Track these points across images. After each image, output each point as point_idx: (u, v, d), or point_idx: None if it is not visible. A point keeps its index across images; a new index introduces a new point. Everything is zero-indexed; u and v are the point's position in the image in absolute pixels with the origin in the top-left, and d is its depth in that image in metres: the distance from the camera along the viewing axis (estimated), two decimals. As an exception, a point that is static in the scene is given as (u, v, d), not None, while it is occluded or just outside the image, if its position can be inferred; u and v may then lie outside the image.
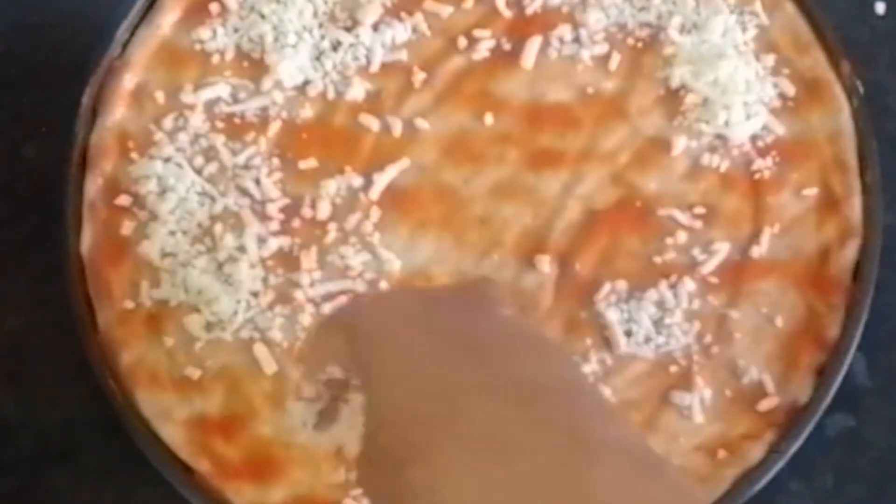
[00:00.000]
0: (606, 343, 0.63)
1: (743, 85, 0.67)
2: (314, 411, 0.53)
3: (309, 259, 0.65)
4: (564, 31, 0.69)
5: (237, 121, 0.68)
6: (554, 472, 0.39)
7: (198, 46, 0.69)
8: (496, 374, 0.43)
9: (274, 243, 0.65)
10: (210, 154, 0.67)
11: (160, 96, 0.68)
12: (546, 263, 0.65)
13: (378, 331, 0.47)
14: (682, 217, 0.66)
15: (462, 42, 0.69)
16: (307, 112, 0.68)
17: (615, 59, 0.69)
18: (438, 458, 0.41)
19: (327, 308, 0.64)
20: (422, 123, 0.68)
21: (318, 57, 0.69)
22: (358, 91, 0.68)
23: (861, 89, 0.68)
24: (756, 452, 0.62)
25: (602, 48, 0.69)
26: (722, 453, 0.62)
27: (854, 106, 0.68)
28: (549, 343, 0.49)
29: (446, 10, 0.70)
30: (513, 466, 0.40)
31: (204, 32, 0.70)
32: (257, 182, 0.66)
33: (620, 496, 0.39)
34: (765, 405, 0.62)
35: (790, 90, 0.68)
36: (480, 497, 0.39)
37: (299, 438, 0.61)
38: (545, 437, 0.40)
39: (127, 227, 0.66)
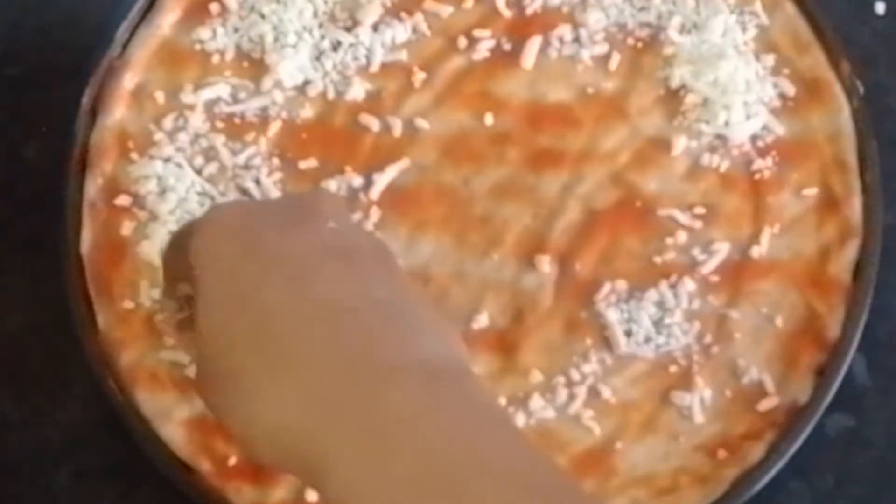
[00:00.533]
0: (606, 343, 0.63)
1: (743, 85, 0.67)
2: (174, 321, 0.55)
3: (309, 259, 0.65)
4: (564, 31, 0.69)
5: (237, 121, 0.68)
6: (348, 393, 0.41)
7: (198, 46, 0.69)
8: (304, 293, 0.44)
9: (274, 243, 0.65)
10: (210, 154, 0.67)
11: (160, 96, 0.68)
12: (546, 263, 0.65)
13: (207, 247, 0.48)
14: (682, 217, 0.66)
15: (462, 42, 0.69)
16: (307, 112, 0.68)
17: (615, 59, 0.69)
18: (251, 376, 0.43)
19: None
20: (422, 123, 0.68)
21: (318, 57, 0.69)
22: (358, 91, 0.68)
23: (861, 89, 0.68)
24: (756, 452, 0.62)
25: (602, 48, 0.69)
26: (722, 453, 0.62)
27: (854, 106, 0.68)
28: (366, 254, 0.49)
29: (446, 10, 0.70)
30: (311, 385, 0.42)
31: (204, 32, 0.70)
32: (257, 182, 0.66)
33: (410, 415, 0.40)
34: (765, 405, 0.62)
35: (790, 90, 0.68)
36: (281, 414, 0.42)
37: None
38: (341, 357, 0.42)
39: (127, 227, 0.66)
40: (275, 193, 0.66)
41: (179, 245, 0.51)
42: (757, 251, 0.65)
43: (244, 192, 0.66)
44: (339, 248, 0.48)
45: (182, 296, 0.52)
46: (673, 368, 0.63)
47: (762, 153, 0.67)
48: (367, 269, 0.48)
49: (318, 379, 0.42)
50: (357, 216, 0.66)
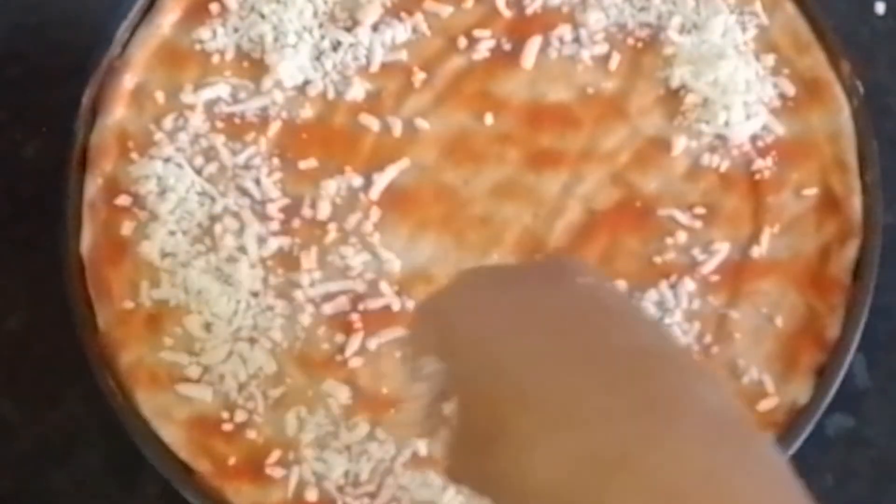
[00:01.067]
0: (606, 343, 0.63)
1: (743, 85, 0.67)
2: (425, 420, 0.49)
3: (309, 259, 0.65)
4: (564, 31, 0.69)
5: (237, 121, 0.68)
6: (631, 445, 0.38)
7: (198, 46, 0.69)
8: (572, 344, 0.42)
9: (274, 243, 0.65)
10: (210, 154, 0.67)
11: (160, 96, 0.68)
12: (546, 263, 0.65)
13: (458, 310, 0.46)
14: (682, 217, 0.66)
15: (462, 42, 0.69)
16: (307, 112, 0.68)
17: (615, 59, 0.69)
18: (521, 435, 0.40)
19: (327, 308, 0.64)
20: (422, 123, 0.68)
21: (318, 57, 0.69)
22: (358, 91, 0.68)
23: (861, 89, 0.68)
24: (756, 452, 0.62)
25: (602, 48, 0.69)
26: (722, 453, 0.62)
27: (854, 106, 0.68)
28: (636, 309, 0.48)
29: (446, 10, 0.70)
30: (588, 438, 0.39)
31: (204, 32, 0.70)
32: (257, 182, 0.67)
33: (702, 466, 0.37)
34: (765, 405, 0.62)
35: (790, 90, 0.68)
36: (561, 470, 0.39)
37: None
38: (620, 407, 0.39)
39: (127, 227, 0.66)
40: (275, 193, 0.66)
41: (423, 317, 0.49)
42: (757, 251, 0.65)
43: (244, 191, 0.66)
44: (597, 300, 0.46)
45: (427, 373, 0.49)
46: (673, 368, 0.63)
47: (762, 153, 0.67)
48: (628, 319, 0.46)
49: (595, 431, 0.39)
50: (357, 216, 0.66)
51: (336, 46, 0.69)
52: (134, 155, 0.67)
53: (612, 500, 0.38)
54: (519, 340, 0.43)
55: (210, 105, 0.68)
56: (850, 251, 0.65)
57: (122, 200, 0.66)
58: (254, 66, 0.69)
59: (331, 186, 0.66)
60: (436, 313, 0.47)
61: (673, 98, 0.68)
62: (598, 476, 0.38)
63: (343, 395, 0.63)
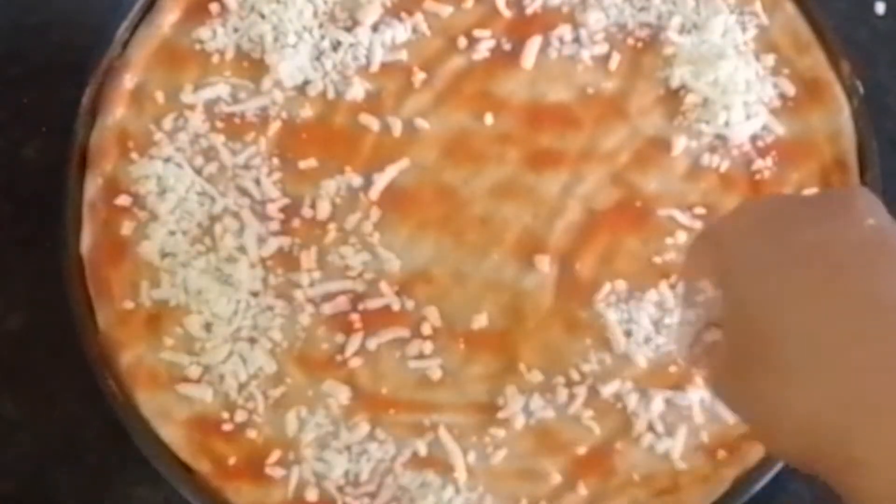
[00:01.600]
0: (606, 343, 0.63)
1: (743, 85, 0.67)
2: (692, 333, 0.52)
3: (309, 259, 0.65)
4: (564, 31, 0.69)
5: (237, 121, 0.68)
6: (892, 396, 0.39)
7: (198, 46, 0.69)
8: (846, 285, 0.43)
9: (274, 243, 0.65)
10: (210, 154, 0.67)
11: (160, 96, 0.68)
12: (546, 263, 0.65)
13: (737, 240, 0.47)
14: (682, 217, 0.66)
15: (462, 42, 0.69)
16: (307, 112, 0.68)
17: (615, 59, 0.69)
18: (786, 366, 0.42)
19: (327, 308, 0.64)
20: (422, 123, 0.68)
21: (318, 57, 0.69)
22: (358, 91, 0.68)
23: (861, 89, 0.68)
24: (756, 452, 0.62)
25: (602, 48, 0.69)
26: (722, 453, 0.62)
27: (854, 106, 0.68)
28: None
29: (446, 10, 0.70)
30: (852, 379, 0.40)
31: (204, 32, 0.70)
32: (257, 182, 0.67)
33: None
34: (765, 405, 0.62)
35: (790, 90, 0.68)
36: (817, 405, 0.41)
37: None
38: (887, 354, 0.40)
39: (127, 227, 0.66)
40: (275, 193, 0.66)
41: (702, 241, 0.51)
42: (757, 251, 0.65)
43: (244, 191, 0.66)
44: (883, 245, 0.45)
45: (701, 300, 0.51)
46: (673, 368, 0.63)
47: (762, 153, 0.67)
48: None
49: (859, 374, 0.40)
50: (357, 216, 0.66)
51: (336, 46, 0.69)
52: (134, 155, 0.67)
53: (858, 445, 0.39)
54: (799, 276, 0.44)
55: (210, 105, 0.68)
56: (850, 251, 0.65)
57: (122, 200, 0.66)
58: (254, 66, 0.69)
59: (331, 186, 0.66)
60: (717, 240, 0.48)
61: (673, 98, 0.68)
62: (849, 418, 0.40)
63: (343, 395, 0.63)
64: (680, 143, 0.67)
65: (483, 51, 0.69)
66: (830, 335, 0.42)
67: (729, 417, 0.62)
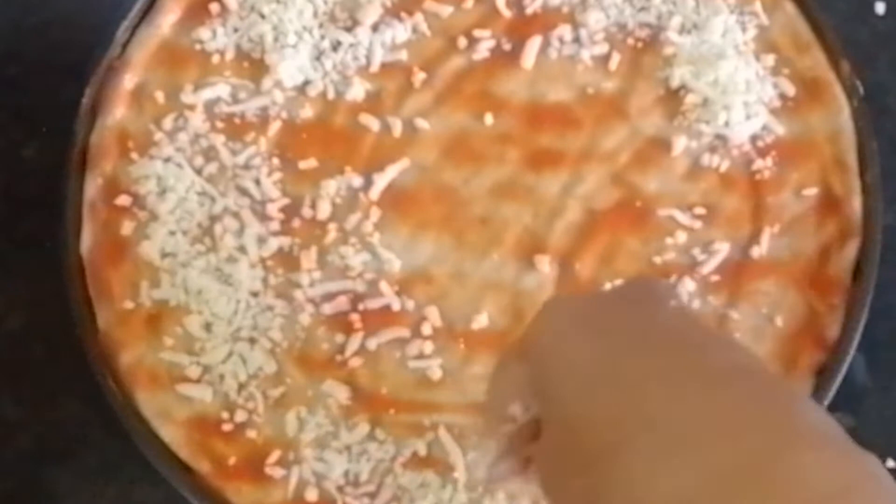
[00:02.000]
0: (606, 343, 0.63)
1: (743, 85, 0.67)
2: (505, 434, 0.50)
3: (309, 259, 0.65)
4: (564, 31, 0.69)
5: (237, 121, 0.68)
6: (760, 456, 0.38)
7: (198, 46, 0.69)
8: (685, 363, 0.42)
9: (274, 243, 0.65)
10: (210, 154, 0.67)
11: (160, 96, 0.68)
12: (546, 263, 0.65)
13: (551, 344, 0.46)
14: (682, 217, 0.66)
15: (462, 42, 0.69)
16: (307, 112, 0.68)
17: (615, 59, 0.69)
18: (643, 452, 0.40)
19: (327, 308, 0.64)
20: (422, 123, 0.68)
21: (318, 57, 0.69)
22: (358, 91, 0.68)
23: (861, 89, 0.68)
24: (756, 452, 0.61)
25: (602, 48, 0.69)
26: (722, 453, 0.62)
27: (854, 106, 0.68)
28: (716, 330, 0.50)
29: (446, 10, 0.70)
30: (719, 452, 0.39)
31: (204, 32, 0.70)
32: (257, 182, 0.66)
33: (835, 478, 0.38)
34: (765, 405, 0.62)
35: (790, 90, 0.68)
36: (688, 485, 0.39)
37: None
38: (740, 422, 0.40)
39: (127, 227, 0.66)
40: (275, 193, 0.66)
41: (507, 359, 0.49)
42: (757, 251, 0.65)
43: (244, 191, 0.66)
44: (691, 320, 0.47)
45: (510, 415, 0.50)
46: (673, 368, 0.63)
47: (762, 153, 0.67)
48: (720, 339, 0.46)
49: (720, 447, 0.39)
50: (357, 216, 0.66)
51: (336, 46, 0.69)
52: (134, 155, 0.67)
53: None
54: (625, 362, 0.43)
55: (210, 105, 0.68)
56: (850, 251, 0.65)
57: (122, 200, 0.66)
58: (254, 66, 0.69)
59: (331, 186, 0.66)
60: (528, 353, 0.47)
61: (673, 98, 0.68)
62: (725, 489, 0.38)
63: (343, 395, 0.63)
64: (680, 143, 0.67)
65: (483, 51, 0.69)
66: (681, 413, 0.40)
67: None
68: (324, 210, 0.66)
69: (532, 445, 0.47)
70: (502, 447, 0.50)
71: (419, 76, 0.68)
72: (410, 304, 0.64)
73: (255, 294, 0.64)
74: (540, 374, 0.45)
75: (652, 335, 0.44)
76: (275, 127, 0.68)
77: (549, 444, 0.44)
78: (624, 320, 0.45)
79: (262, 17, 0.69)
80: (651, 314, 0.46)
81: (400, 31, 0.69)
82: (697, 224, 0.66)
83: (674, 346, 0.43)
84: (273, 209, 0.66)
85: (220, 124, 0.68)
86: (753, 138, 0.67)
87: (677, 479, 0.39)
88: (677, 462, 0.39)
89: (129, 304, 0.64)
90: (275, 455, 0.62)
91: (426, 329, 0.64)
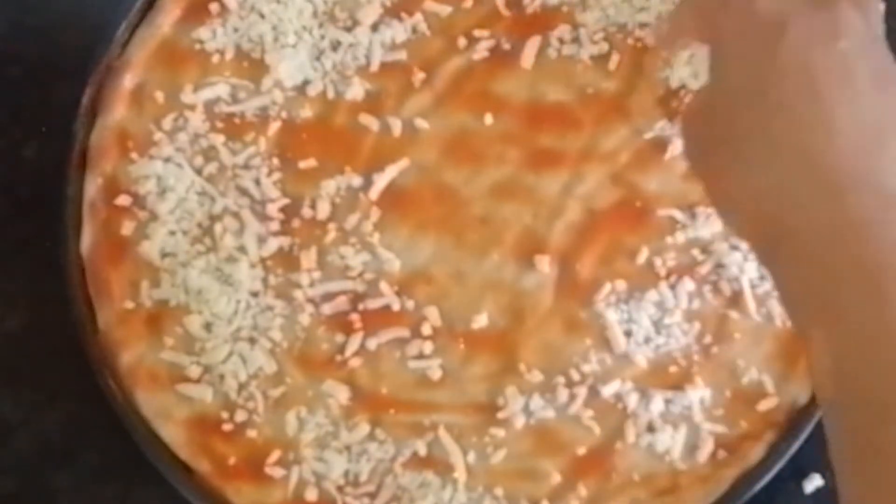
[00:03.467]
0: (606, 343, 0.63)
1: (743, 85, 0.67)
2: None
3: (309, 259, 0.65)
4: (564, 31, 0.69)
5: (237, 121, 0.68)
6: (815, 188, 0.47)
7: (198, 46, 0.69)
8: (807, 108, 0.48)
9: (274, 243, 0.65)
10: (210, 154, 0.67)
11: (160, 96, 0.68)
12: (546, 263, 0.65)
13: (734, 32, 0.52)
14: (682, 217, 0.66)
15: (462, 42, 0.69)
16: (307, 112, 0.68)
17: (615, 59, 0.68)
18: (749, 144, 0.48)
19: (327, 308, 0.64)
20: (422, 123, 0.68)
21: (318, 57, 0.69)
22: (358, 91, 0.68)
23: (861, 89, 0.68)
24: (756, 453, 0.62)
25: (602, 48, 0.69)
26: (722, 453, 0.62)
27: (854, 106, 0.68)
28: None
29: (446, 10, 0.70)
30: (796, 166, 0.47)
31: (204, 32, 0.69)
32: (257, 182, 0.67)
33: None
34: (765, 405, 0.62)
35: (790, 90, 0.68)
36: (762, 185, 0.48)
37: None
38: (822, 154, 0.47)
39: (127, 227, 0.66)
40: (275, 193, 0.66)
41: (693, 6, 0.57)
42: (757, 251, 0.65)
43: (244, 191, 0.66)
44: (843, 70, 0.49)
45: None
46: (673, 368, 0.63)
47: (762, 153, 0.67)
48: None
49: (798, 169, 0.46)
50: (357, 216, 0.66)
51: (336, 46, 0.69)
52: (134, 155, 0.67)
53: (791, 216, 0.47)
54: (774, 85, 0.49)
55: (210, 105, 0.68)
56: (850, 251, 0.65)
57: (122, 200, 0.66)
58: (254, 65, 0.69)
59: (331, 186, 0.66)
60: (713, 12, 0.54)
61: (673, 98, 0.68)
62: (787, 198, 0.47)
63: (343, 395, 0.63)
64: (680, 143, 0.67)
65: (483, 51, 0.69)
66: (793, 126, 0.47)
67: (729, 417, 0.62)
68: (324, 210, 0.66)
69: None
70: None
71: (419, 76, 0.68)
72: (410, 304, 0.64)
73: (255, 294, 0.64)
74: (713, 37, 0.54)
75: (799, 81, 0.49)
76: (275, 127, 0.68)
77: (703, 94, 0.54)
78: (791, 54, 0.50)
79: (262, 16, 0.69)
80: (814, 58, 0.50)
81: (400, 31, 0.69)
82: (698, 224, 0.65)
83: (810, 98, 0.48)
84: (273, 209, 0.66)
85: (219, 124, 0.68)
86: (753, 138, 0.67)
87: (764, 177, 0.48)
88: (771, 161, 0.48)
89: (129, 304, 0.65)
90: (275, 455, 0.62)
91: (426, 329, 0.64)
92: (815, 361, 0.45)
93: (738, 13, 0.51)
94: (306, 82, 0.68)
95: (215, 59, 0.69)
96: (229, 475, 0.62)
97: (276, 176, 0.67)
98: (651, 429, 0.62)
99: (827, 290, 0.45)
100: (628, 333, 0.63)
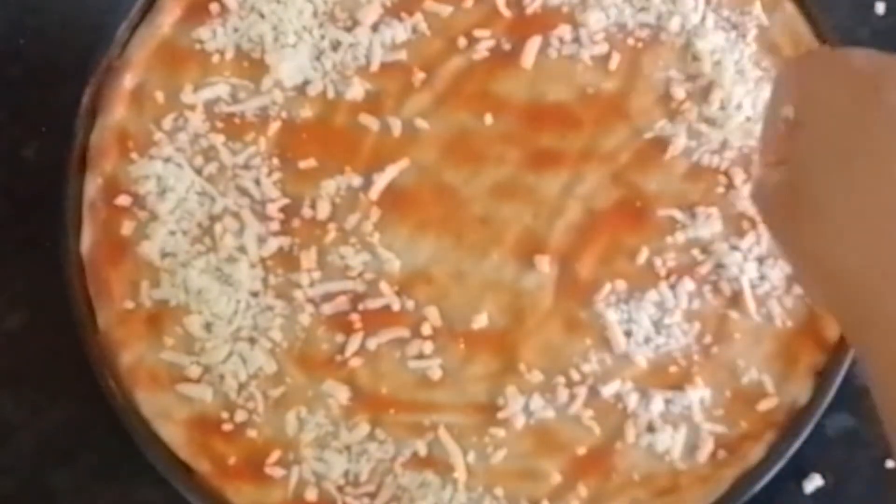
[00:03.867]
0: (606, 343, 0.63)
1: (743, 85, 0.67)
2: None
3: (309, 259, 0.65)
4: (564, 31, 0.69)
5: (237, 121, 0.68)
6: None
7: (198, 46, 0.69)
8: None
9: (274, 243, 0.65)
10: (210, 154, 0.67)
11: (160, 96, 0.68)
12: (546, 263, 0.65)
13: (822, 86, 0.48)
14: (682, 217, 0.66)
15: (462, 42, 0.69)
16: (307, 112, 0.68)
17: (615, 59, 0.69)
18: (834, 213, 0.44)
19: (327, 308, 0.64)
20: (422, 123, 0.68)
21: (318, 57, 0.69)
22: (358, 91, 0.68)
23: (861, 89, 0.68)
24: (756, 452, 0.62)
25: (602, 48, 0.69)
26: (722, 453, 0.62)
27: (854, 106, 0.68)
28: None
29: (446, 10, 0.70)
30: (884, 249, 0.42)
31: (204, 32, 0.69)
32: (257, 182, 0.67)
33: None
34: (765, 405, 0.62)
35: (790, 90, 0.68)
36: (850, 258, 0.43)
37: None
38: None
39: (127, 227, 0.66)
40: (275, 193, 0.66)
41: (797, 70, 0.52)
42: (757, 251, 0.65)
43: (244, 191, 0.66)
44: None
45: (783, 118, 0.51)
46: (673, 368, 0.63)
47: (762, 153, 0.67)
48: None
49: (890, 244, 0.42)
50: (357, 216, 0.66)
51: (336, 46, 0.69)
52: (134, 155, 0.67)
53: (876, 306, 0.42)
54: (869, 142, 0.45)
55: (210, 105, 0.68)
56: (850, 251, 0.65)
57: (122, 200, 0.66)
58: (254, 65, 0.69)
59: (331, 186, 0.66)
60: (805, 76, 0.50)
61: (673, 98, 0.68)
62: (873, 280, 0.42)
63: (343, 395, 0.63)
64: (680, 143, 0.67)
65: (483, 51, 0.69)
66: (877, 203, 0.43)
67: (729, 417, 0.62)
68: (324, 210, 0.66)
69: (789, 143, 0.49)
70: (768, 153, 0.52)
71: (419, 76, 0.68)
72: (410, 304, 0.64)
73: (255, 294, 0.64)
74: (804, 102, 0.49)
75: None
76: (274, 127, 0.68)
77: (788, 171, 0.48)
78: (887, 105, 0.46)
79: (262, 16, 0.69)
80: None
81: (400, 31, 0.69)
82: (698, 224, 0.65)
83: None
84: (273, 209, 0.66)
85: (219, 124, 0.68)
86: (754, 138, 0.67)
87: (852, 249, 0.43)
88: (857, 234, 0.43)
89: (129, 304, 0.65)
90: (275, 455, 0.62)
91: (426, 329, 0.64)
92: None
93: (832, 67, 0.49)
94: (306, 82, 0.68)
95: (215, 59, 0.69)
96: (229, 475, 0.62)
97: (276, 176, 0.67)
98: (651, 429, 0.62)
99: None
100: (628, 333, 0.63)
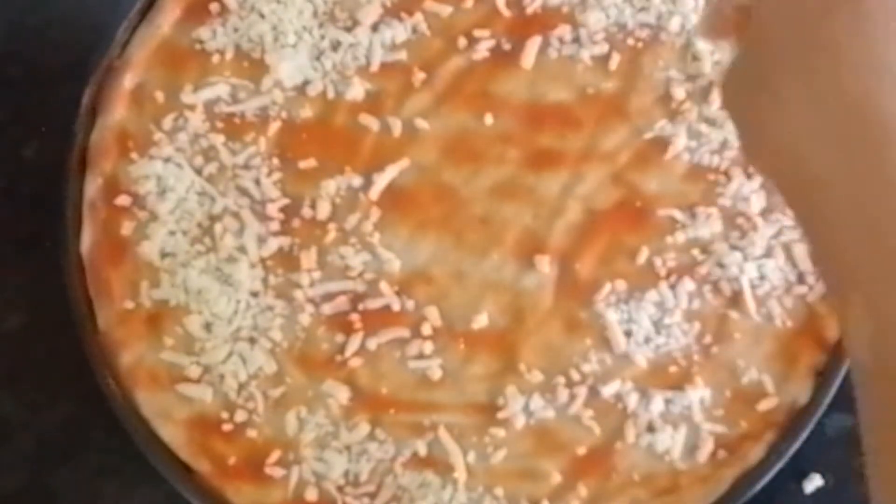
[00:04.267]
0: (606, 343, 0.63)
1: (743, 85, 0.67)
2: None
3: (309, 259, 0.65)
4: (564, 31, 0.69)
5: (237, 121, 0.68)
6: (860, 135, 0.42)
7: (198, 46, 0.69)
8: (861, 40, 0.43)
9: (274, 243, 0.65)
10: (210, 154, 0.67)
11: (160, 96, 0.68)
12: (546, 263, 0.65)
13: None
14: (682, 217, 0.66)
15: (462, 42, 0.69)
16: (307, 112, 0.68)
17: (615, 59, 0.68)
18: (786, 88, 0.44)
19: (327, 308, 0.64)
20: (422, 123, 0.68)
21: (318, 57, 0.69)
22: (358, 91, 0.68)
23: (861, 89, 0.68)
24: (756, 452, 0.62)
25: (602, 48, 0.69)
26: (722, 453, 0.62)
27: (854, 106, 0.68)
28: None
29: (446, 10, 0.70)
30: (830, 115, 0.42)
31: (204, 32, 0.69)
32: (257, 182, 0.67)
33: None
34: (765, 405, 0.62)
35: (790, 90, 0.68)
36: (795, 133, 0.43)
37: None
38: (862, 104, 0.42)
39: (127, 227, 0.66)
40: (275, 193, 0.66)
41: None
42: (757, 251, 0.65)
43: (244, 191, 0.66)
44: None
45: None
46: (673, 368, 0.63)
47: (762, 153, 0.67)
48: None
49: (840, 113, 0.42)
50: (357, 216, 0.66)
51: (336, 46, 0.69)
52: (134, 155, 0.67)
53: (821, 166, 0.42)
54: (828, 19, 0.44)
55: (210, 105, 0.68)
56: (850, 251, 0.65)
57: (122, 200, 0.66)
58: (254, 65, 0.69)
59: (331, 186, 0.66)
60: None
61: (673, 98, 0.68)
62: (821, 148, 0.42)
63: (343, 395, 0.63)
64: (680, 143, 0.67)
65: (483, 51, 0.69)
66: (832, 72, 0.43)
67: (729, 417, 0.62)
68: (324, 210, 0.66)
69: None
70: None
71: (419, 76, 0.68)
72: (410, 304, 0.64)
73: (255, 294, 0.64)
74: None
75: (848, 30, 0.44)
76: (274, 127, 0.68)
77: (745, 40, 0.47)
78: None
79: (262, 16, 0.69)
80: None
81: (400, 31, 0.69)
82: (698, 224, 0.65)
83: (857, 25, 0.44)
84: (273, 209, 0.66)
85: (219, 124, 0.68)
86: (753, 138, 0.67)
87: (797, 124, 0.43)
88: (805, 109, 0.43)
89: (129, 304, 0.65)
90: (275, 455, 0.62)
91: (426, 329, 0.64)
92: (852, 326, 0.42)
93: None
94: (306, 82, 0.68)
95: (215, 59, 0.69)
96: (229, 475, 0.62)
97: (276, 176, 0.67)
98: (651, 429, 0.62)
99: (868, 249, 0.41)
100: (628, 333, 0.63)
